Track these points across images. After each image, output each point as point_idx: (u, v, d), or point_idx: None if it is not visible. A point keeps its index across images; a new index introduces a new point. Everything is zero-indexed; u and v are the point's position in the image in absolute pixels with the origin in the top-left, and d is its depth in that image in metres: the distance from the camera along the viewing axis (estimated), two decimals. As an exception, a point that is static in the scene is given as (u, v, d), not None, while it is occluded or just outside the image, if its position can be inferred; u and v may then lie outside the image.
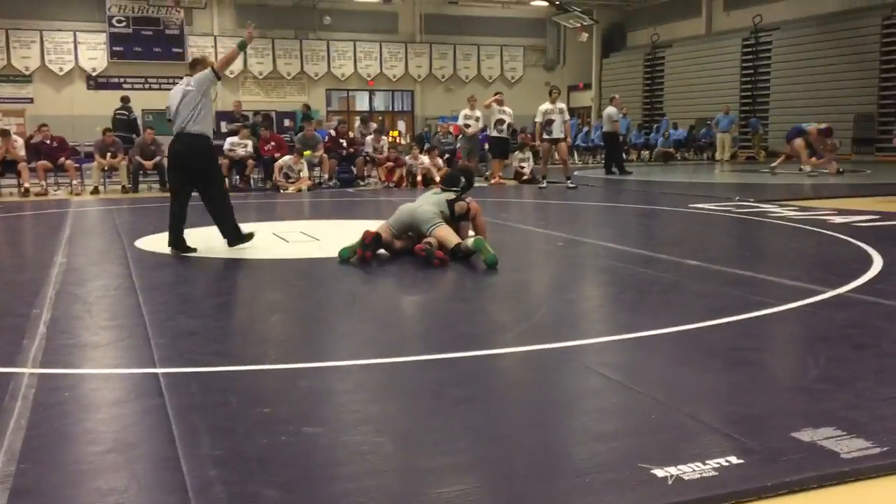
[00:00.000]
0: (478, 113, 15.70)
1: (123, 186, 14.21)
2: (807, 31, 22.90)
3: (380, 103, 29.75)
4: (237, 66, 26.57)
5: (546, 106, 14.07)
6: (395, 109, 29.70)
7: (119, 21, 25.14)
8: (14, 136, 14.02)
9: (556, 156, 14.59)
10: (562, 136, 14.16)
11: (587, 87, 30.36)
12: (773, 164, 15.73)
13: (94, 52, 25.01)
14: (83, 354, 3.87)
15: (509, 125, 15.56)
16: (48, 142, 14.22)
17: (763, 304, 4.57)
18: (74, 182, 14.17)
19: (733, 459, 2.44)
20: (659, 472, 2.35)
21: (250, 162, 14.76)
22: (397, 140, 24.04)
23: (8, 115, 23.99)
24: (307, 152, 14.86)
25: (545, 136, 14.09)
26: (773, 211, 9.66)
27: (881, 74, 20.94)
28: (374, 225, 6.68)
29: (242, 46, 7.19)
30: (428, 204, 6.54)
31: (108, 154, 14.28)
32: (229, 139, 15.06)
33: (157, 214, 11.05)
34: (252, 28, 7.19)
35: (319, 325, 4.53)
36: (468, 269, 6.00)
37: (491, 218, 8.52)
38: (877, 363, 3.49)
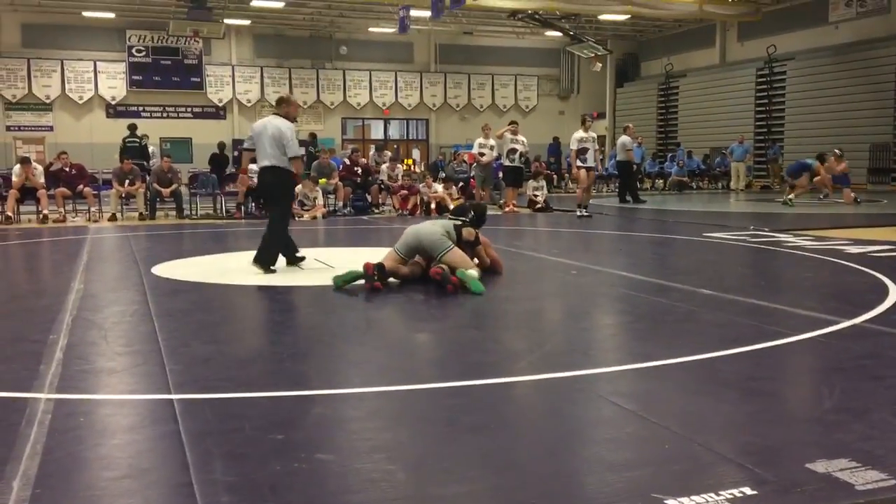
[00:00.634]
0: (492, 142, 15.78)
1: (141, 213, 14.34)
2: (821, 61, 22.94)
3: (395, 131, 29.99)
4: (254, 94, 26.93)
5: (581, 134, 14.14)
6: (410, 138, 29.93)
7: (139, 51, 25.57)
8: (34, 164, 14.22)
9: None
10: (594, 164, 14.26)
11: (601, 116, 30.50)
12: (789, 197, 15.58)
13: (113, 81, 25.42)
14: (99, 380, 3.90)
15: (521, 154, 15.59)
16: (67, 169, 14.40)
17: (778, 334, 4.55)
18: (92, 209, 14.33)
19: (747, 490, 2.42)
20: (672, 503, 2.34)
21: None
22: (412, 168, 24.17)
23: (28, 142, 24.39)
24: (322, 180, 14.97)
25: (580, 164, 14.12)
26: (788, 241, 9.63)
27: (897, 104, 20.94)
28: (384, 253, 6.70)
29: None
30: (435, 226, 6.57)
31: (126, 181, 14.44)
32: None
33: (174, 241, 11.16)
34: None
35: (333, 351, 4.55)
36: (481, 297, 6.00)
37: (504, 246, 8.56)
38: (892, 394, 3.46)
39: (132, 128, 17.38)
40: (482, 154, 15.86)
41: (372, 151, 17.91)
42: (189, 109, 26.45)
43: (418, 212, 14.88)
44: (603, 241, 10.95)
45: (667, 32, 28.91)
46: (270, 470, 2.64)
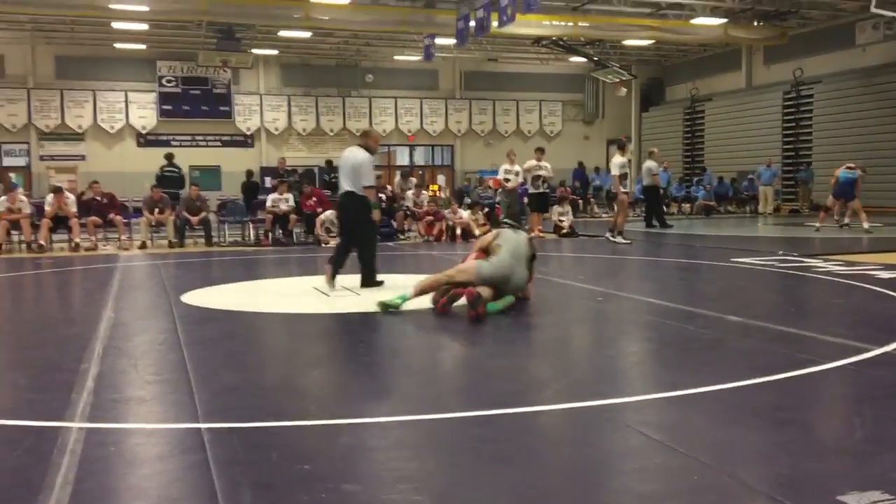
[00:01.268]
0: (517, 167, 15.82)
1: (170, 241, 14.52)
2: (848, 84, 22.78)
3: (420, 158, 30.16)
4: (282, 123, 27.26)
5: (622, 159, 14.20)
6: (435, 164, 30.07)
7: (169, 81, 26.03)
8: (66, 193, 14.48)
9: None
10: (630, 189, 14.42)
11: (628, 140, 30.46)
12: (867, 225, 14.67)
13: (143, 111, 25.87)
14: (129, 409, 3.95)
15: (544, 180, 15.54)
16: (98, 198, 14.64)
17: (808, 362, 4.50)
18: (123, 237, 14.54)
19: (778, 523, 2.39)
20: (701, 536, 2.32)
21: (292, 217, 15.02)
22: (437, 194, 24.27)
23: (61, 171, 24.83)
24: (348, 207, 15.06)
25: (623, 189, 14.18)
26: (817, 266, 9.52)
27: (926, 127, 20.69)
28: (411, 279, 6.71)
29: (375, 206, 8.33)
30: (520, 265, 6.58)
31: (156, 210, 14.65)
32: (271, 195, 15.37)
33: (203, 269, 11.29)
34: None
35: (359, 380, 4.56)
36: (507, 324, 6.00)
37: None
38: (927, 424, 3.41)
39: (169, 157, 17.57)
40: (507, 180, 15.90)
41: (397, 178, 18.01)
42: (218, 138, 26.82)
43: (443, 238, 14.93)
44: (629, 266, 10.90)
45: (692, 57, 28.89)
46: (298, 500, 2.65)
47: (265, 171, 24.38)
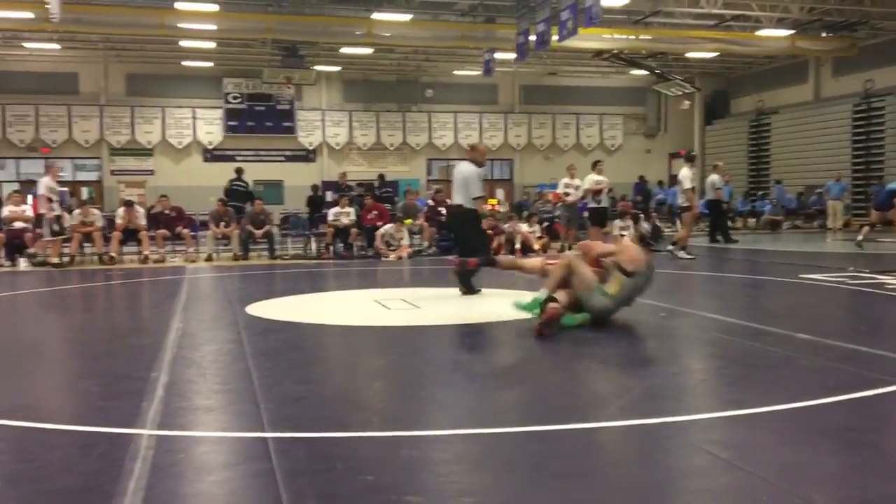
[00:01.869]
0: (577, 181, 15.74)
1: (235, 254, 14.84)
2: (922, 96, 22.07)
3: (480, 172, 30.18)
4: (343, 138, 27.64)
5: (690, 172, 14.05)
6: (494, 178, 30.06)
7: (234, 98, 26.65)
8: (136, 206, 14.93)
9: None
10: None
11: (692, 154, 30.05)
12: (860, 238, 14.18)
13: (210, 127, 26.53)
14: (197, 417, 4.04)
15: (593, 193, 15.31)
16: (167, 211, 15.06)
17: (879, 382, 4.36)
18: (190, 250, 14.90)
19: (850, 547, 2.32)
20: (770, 558, 2.27)
21: (353, 230, 15.20)
22: (496, 208, 24.26)
23: (131, 185, 25.61)
24: (408, 221, 15.20)
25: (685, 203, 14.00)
26: (890, 283, 9.22)
27: None
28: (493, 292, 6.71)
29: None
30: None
31: (222, 223, 14.98)
32: (332, 209, 15.59)
33: (267, 281, 11.50)
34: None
35: (420, 392, 4.59)
36: (569, 338, 5.96)
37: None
38: None
39: (239, 171, 17.92)
40: (567, 194, 15.83)
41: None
42: (281, 153, 27.33)
43: (503, 251, 14.91)
44: (693, 282, 10.72)
45: (757, 69, 28.35)
46: (361, 511, 2.68)
47: (326, 185, 24.74)
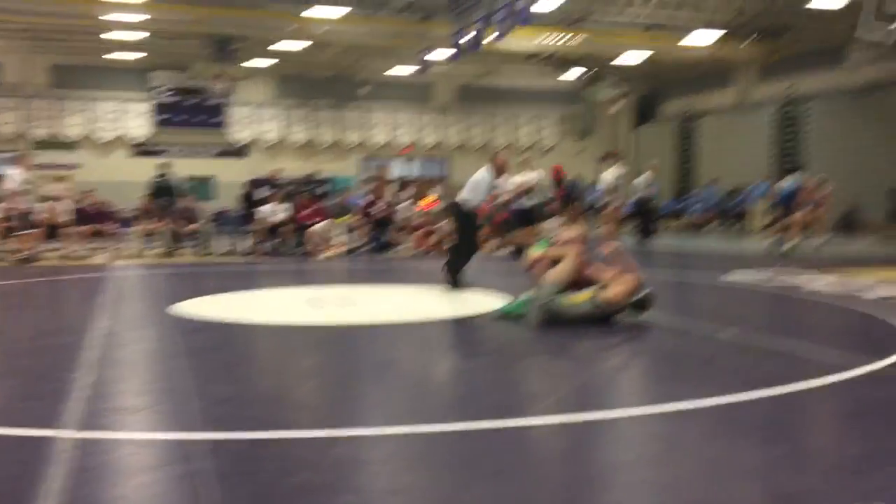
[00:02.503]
0: (514, 178, 15.84)
1: (163, 251, 14.50)
2: (840, 103, 22.94)
3: (414, 171, 30.21)
4: (275, 134, 27.28)
5: (614, 171, 14.41)
6: (430, 176, 30.11)
7: (164, 91, 26.04)
8: (60, 202, 14.46)
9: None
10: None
11: (616, 155, 30.59)
12: (791, 245, 14.42)
13: (138, 121, 25.86)
14: (121, 418, 3.93)
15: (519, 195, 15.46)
16: (92, 207, 14.63)
17: (797, 379, 4.52)
18: (116, 246, 14.50)
19: (770, 539, 2.40)
20: (694, 551, 2.32)
21: (287, 227, 15.02)
22: (433, 205, 24.26)
23: (56, 180, 24.77)
24: (342, 218, 15.09)
25: (612, 202, 14.39)
26: (807, 283, 9.56)
27: (916, 147, 20.82)
28: (403, 290, 6.72)
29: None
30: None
31: (150, 219, 14.62)
32: (265, 206, 15.37)
33: (196, 279, 11.27)
34: None
35: (353, 391, 4.56)
36: (498, 337, 6.01)
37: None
38: (918, 441, 3.42)
39: (164, 167, 17.55)
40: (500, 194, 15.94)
41: (391, 190, 18.01)
42: (211, 148, 26.82)
43: (437, 250, 14.93)
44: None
45: (686, 73, 29.05)
46: (291, 512, 2.65)
47: (259, 182, 24.37)
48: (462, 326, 6.78)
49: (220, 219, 16.24)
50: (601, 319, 6.41)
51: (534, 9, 16.21)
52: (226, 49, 22.21)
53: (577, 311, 6.40)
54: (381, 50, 24.52)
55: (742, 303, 8.57)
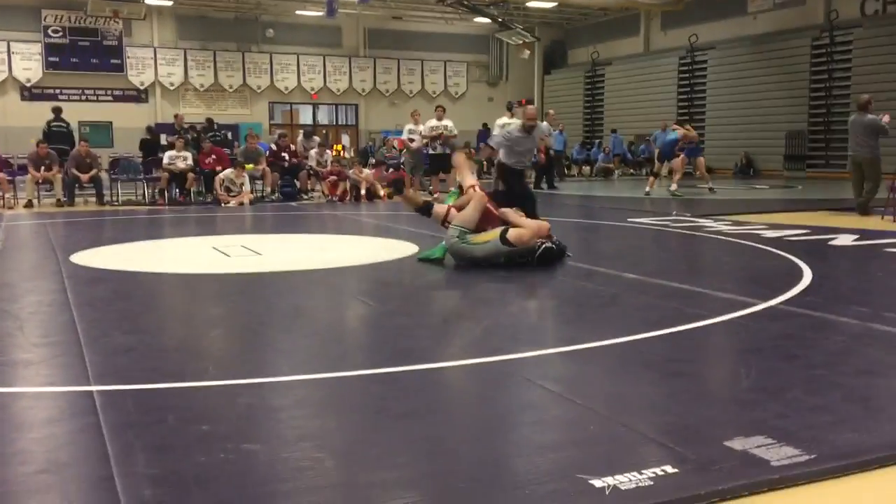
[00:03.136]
0: (421, 127, 15.76)
1: (58, 200, 13.86)
2: (740, 51, 23.60)
3: (323, 117, 29.66)
4: (177, 78, 26.23)
5: (506, 120, 14.33)
6: (339, 123, 29.63)
7: (55, 31, 24.60)
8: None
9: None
10: None
11: (529, 103, 30.73)
12: (673, 188, 15.16)
13: (28, 63, 24.42)
14: (15, 372, 3.77)
15: (444, 140, 15.45)
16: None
17: (698, 317, 4.69)
18: (7, 195, 13.78)
19: (668, 469, 2.49)
20: (597, 483, 2.39)
21: (191, 175, 14.57)
22: (341, 154, 23.94)
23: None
24: (249, 165, 14.71)
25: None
26: (708, 225, 9.91)
27: (811, 94, 21.68)
28: (312, 239, 6.64)
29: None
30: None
31: (43, 167, 13.92)
32: (168, 153, 14.84)
33: (93, 228, 10.83)
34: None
35: (260, 340, 4.49)
36: (409, 283, 6.00)
37: (432, 232, 8.51)
38: (806, 374, 3.61)
39: (57, 111, 16.65)
40: (412, 140, 15.85)
41: (300, 137, 17.64)
42: (109, 92, 25.60)
43: (348, 198, 14.78)
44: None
45: (593, 21, 29.29)
46: (195, 461, 2.59)
47: (161, 127, 23.48)
48: (371, 273, 6.75)
49: (119, 166, 15.58)
50: (511, 261, 6.49)
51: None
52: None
53: (485, 250, 6.47)
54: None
55: (647, 244, 8.82)
